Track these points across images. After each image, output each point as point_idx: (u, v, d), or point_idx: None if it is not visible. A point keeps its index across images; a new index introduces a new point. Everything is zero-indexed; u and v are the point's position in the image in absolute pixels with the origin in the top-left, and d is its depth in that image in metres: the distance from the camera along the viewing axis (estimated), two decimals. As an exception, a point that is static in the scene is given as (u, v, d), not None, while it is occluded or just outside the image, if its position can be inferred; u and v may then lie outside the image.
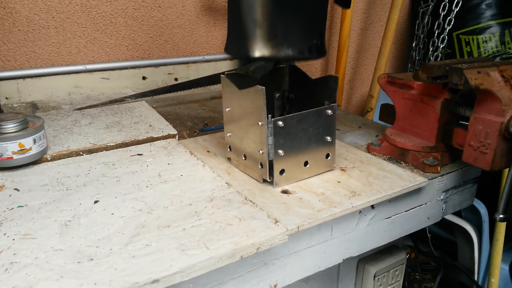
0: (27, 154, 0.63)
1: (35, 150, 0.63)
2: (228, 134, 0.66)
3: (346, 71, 1.53)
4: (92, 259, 0.43)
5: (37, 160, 0.65)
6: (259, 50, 0.57)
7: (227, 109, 0.65)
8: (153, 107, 0.94)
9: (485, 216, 1.21)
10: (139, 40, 1.10)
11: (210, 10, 1.17)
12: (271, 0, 0.55)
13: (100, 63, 1.04)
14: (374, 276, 0.74)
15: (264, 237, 0.47)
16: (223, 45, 1.23)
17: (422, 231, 1.39)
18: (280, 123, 0.57)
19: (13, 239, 0.46)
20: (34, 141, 0.63)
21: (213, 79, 1.07)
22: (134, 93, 1.01)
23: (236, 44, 0.60)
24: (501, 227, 1.20)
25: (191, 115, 0.95)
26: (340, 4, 0.66)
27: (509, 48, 1.34)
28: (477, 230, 1.24)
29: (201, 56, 1.17)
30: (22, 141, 0.62)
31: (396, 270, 0.78)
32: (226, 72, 0.64)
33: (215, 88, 1.17)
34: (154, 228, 0.48)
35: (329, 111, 0.62)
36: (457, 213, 1.28)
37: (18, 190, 0.57)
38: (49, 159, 0.66)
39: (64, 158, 0.67)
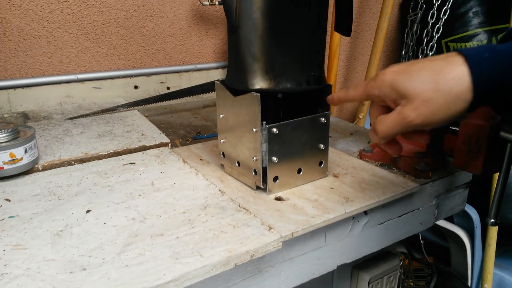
0: (18, 164, 0.62)
1: (26, 160, 0.63)
2: (221, 141, 0.66)
3: (338, 79, 1.54)
4: (84, 269, 0.42)
5: (29, 170, 0.64)
6: (257, 83, 0.58)
7: (221, 115, 0.65)
8: (145, 116, 0.94)
9: (477, 221, 1.22)
10: (131, 49, 1.10)
11: (202, 19, 1.18)
12: (268, 36, 0.56)
13: (91, 73, 1.04)
14: (369, 283, 0.74)
15: (258, 244, 0.47)
16: (215, 54, 1.23)
17: (415, 238, 1.39)
18: (275, 130, 0.57)
19: (4, 250, 0.45)
20: (25, 151, 0.63)
21: (205, 88, 1.07)
22: (126, 102, 1.00)
23: (236, 77, 0.61)
24: (493, 232, 1.20)
25: (184, 124, 0.95)
26: (340, 32, 0.67)
27: (497, 55, 1.36)
28: (469, 236, 1.25)
29: (193, 65, 1.17)
30: (13, 151, 0.61)
31: (390, 276, 0.78)
32: (220, 79, 0.64)
33: (207, 97, 1.17)
34: (147, 237, 0.48)
35: (323, 119, 0.62)
36: (450, 219, 1.29)
37: (9, 201, 0.56)
38: (40, 169, 0.66)
39: (55, 167, 0.67)
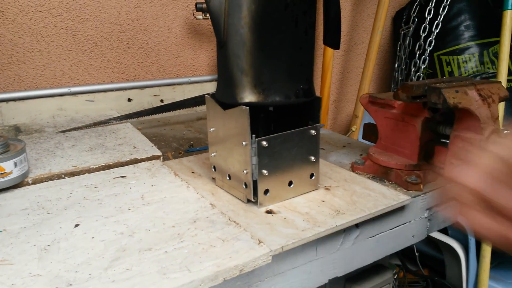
0: (7, 178, 0.62)
1: (16, 173, 0.62)
2: (212, 154, 0.66)
3: (331, 91, 1.55)
4: (70, 285, 0.42)
5: (18, 184, 0.64)
6: (246, 97, 0.58)
7: (211, 129, 0.65)
8: (138, 129, 0.94)
9: (471, 233, 1.22)
10: (125, 62, 1.11)
11: (196, 33, 1.19)
12: (256, 50, 0.56)
13: (85, 86, 1.04)
14: (362, 296, 0.73)
15: (247, 258, 0.47)
16: (209, 67, 1.24)
17: (409, 250, 1.39)
18: (264, 143, 0.57)
19: (-11, 266, 0.45)
20: (15, 164, 0.62)
21: (199, 100, 1.08)
22: (119, 115, 1.00)
23: (225, 90, 0.61)
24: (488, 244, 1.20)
25: (177, 136, 0.95)
26: (329, 45, 0.68)
27: (488, 68, 1.38)
28: (464, 248, 1.24)
29: (187, 78, 1.18)
30: (3, 164, 0.61)
31: (384, 290, 0.77)
32: (211, 93, 0.65)
33: (201, 109, 1.18)
34: (135, 252, 0.47)
35: (313, 131, 0.62)
36: (444, 231, 1.28)
37: (-3, 215, 0.56)
38: (30, 182, 0.65)
39: (45, 181, 0.66)
